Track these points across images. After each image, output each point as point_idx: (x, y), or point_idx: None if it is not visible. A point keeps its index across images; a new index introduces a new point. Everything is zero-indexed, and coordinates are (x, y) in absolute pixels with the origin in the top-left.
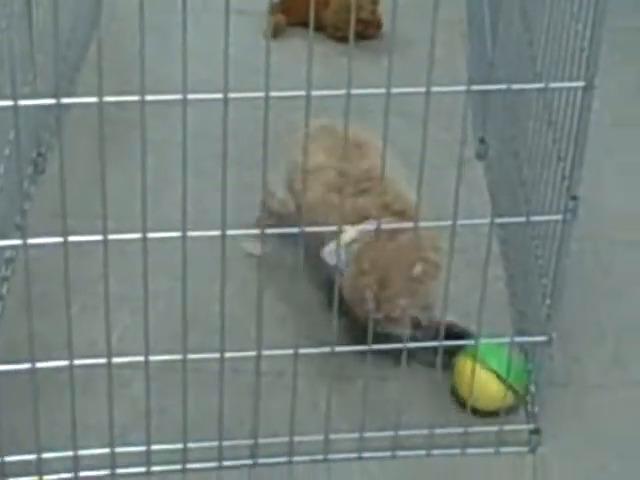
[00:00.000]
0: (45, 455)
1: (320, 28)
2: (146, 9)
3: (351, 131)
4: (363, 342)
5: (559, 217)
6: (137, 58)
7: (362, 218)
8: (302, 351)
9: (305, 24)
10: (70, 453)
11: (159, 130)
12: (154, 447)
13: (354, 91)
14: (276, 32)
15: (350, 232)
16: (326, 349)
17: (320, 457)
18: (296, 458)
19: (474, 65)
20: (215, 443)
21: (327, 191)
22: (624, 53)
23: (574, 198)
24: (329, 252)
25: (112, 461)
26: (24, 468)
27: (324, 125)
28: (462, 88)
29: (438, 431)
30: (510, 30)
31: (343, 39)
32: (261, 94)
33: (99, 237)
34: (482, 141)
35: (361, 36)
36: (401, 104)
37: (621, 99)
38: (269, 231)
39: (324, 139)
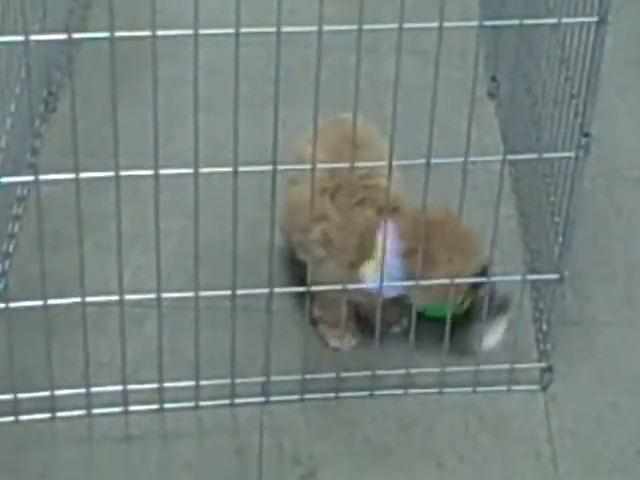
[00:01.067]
0: (58, 392)
1: None
2: None
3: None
4: None
5: (571, 154)
6: None
7: (366, 230)
8: (314, 289)
9: None
10: (83, 390)
11: (171, 69)
12: (166, 384)
13: (366, 26)
14: None
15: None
16: (338, 287)
17: (332, 395)
18: (308, 396)
19: (486, 2)
20: (227, 380)
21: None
22: None
23: (586, 135)
24: (368, 275)
25: (124, 398)
26: (37, 405)
27: (334, 120)
28: (474, 23)
29: (450, 369)
30: None
31: None
32: (273, 29)
33: (111, 173)
34: (494, 79)
35: None
36: (413, 42)
37: (635, 38)
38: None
39: (330, 135)
